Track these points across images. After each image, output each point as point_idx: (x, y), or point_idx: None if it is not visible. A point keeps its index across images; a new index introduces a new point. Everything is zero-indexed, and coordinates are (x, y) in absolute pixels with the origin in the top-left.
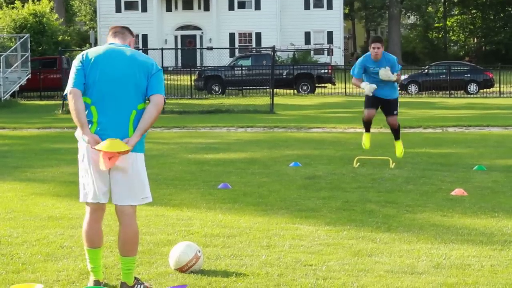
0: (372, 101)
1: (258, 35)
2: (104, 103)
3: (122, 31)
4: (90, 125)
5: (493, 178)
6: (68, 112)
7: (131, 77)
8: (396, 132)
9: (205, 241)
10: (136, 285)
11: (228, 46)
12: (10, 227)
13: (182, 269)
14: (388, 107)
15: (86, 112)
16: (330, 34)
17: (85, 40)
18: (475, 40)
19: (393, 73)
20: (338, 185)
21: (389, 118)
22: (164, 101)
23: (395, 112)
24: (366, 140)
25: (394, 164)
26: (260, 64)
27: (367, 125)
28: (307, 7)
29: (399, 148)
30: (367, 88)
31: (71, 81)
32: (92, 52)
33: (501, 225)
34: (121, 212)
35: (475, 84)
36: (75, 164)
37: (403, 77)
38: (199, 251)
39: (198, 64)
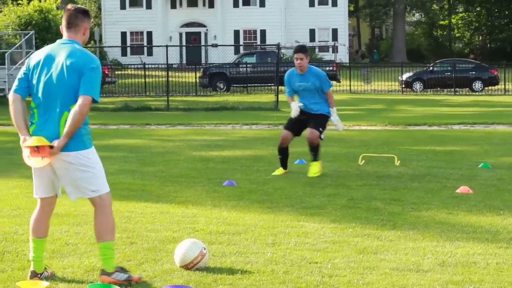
0: (295, 124)
1: (263, 32)
2: (42, 105)
3: (75, 22)
4: (30, 126)
5: (498, 175)
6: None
7: (62, 79)
8: (314, 151)
9: (210, 238)
10: (117, 273)
11: (232, 43)
12: (15, 224)
13: (187, 266)
14: (314, 122)
15: (31, 114)
16: (335, 32)
17: (90, 37)
18: (480, 38)
19: (323, 91)
20: (343, 183)
21: (310, 132)
22: (94, 101)
23: (320, 129)
24: (278, 172)
25: (399, 161)
26: (265, 61)
27: (282, 152)
28: (312, 4)
29: (313, 168)
30: (293, 110)
31: (14, 86)
32: (34, 56)
33: (507, 222)
34: (93, 204)
35: (480, 82)
36: None
37: (407, 75)
38: (204, 248)
39: (203, 61)
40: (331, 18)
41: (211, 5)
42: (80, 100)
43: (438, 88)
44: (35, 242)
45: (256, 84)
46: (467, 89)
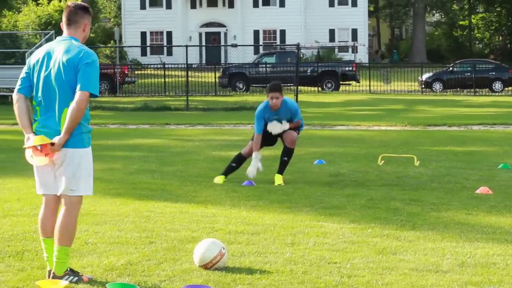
0: (265, 136)
1: (283, 32)
2: (42, 103)
3: (75, 19)
4: (34, 123)
5: None
6: (92, 108)
7: (59, 76)
8: (287, 156)
9: (230, 238)
10: (67, 276)
11: (252, 43)
12: (35, 223)
13: (206, 266)
14: (289, 130)
15: (34, 112)
16: (354, 32)
17: (109, 37)
18: (500, 38)
19: (292, 121)
20: (362, 183)
21: (287, 133)
22: (93, 95)
23: (297, 131)
24: (219, 179)
25: (418, 162)
26: (284, 61)
27: (240, 161)
28: (331, 4)
29: (277, 180)
30: (250, 170)
31: (17, 85)
32: (34, 55)
33: None
34: (62, 203)
35: (500, 82)
36: (100, 161)
37: (427, 75)
38: (224, 248)
39: (222, 61)
40: (351, 18)
41: (231, 5)
42: (77, 96)
43: (458, 89)
44: (45, 242)
45: None
46: (487, 89)
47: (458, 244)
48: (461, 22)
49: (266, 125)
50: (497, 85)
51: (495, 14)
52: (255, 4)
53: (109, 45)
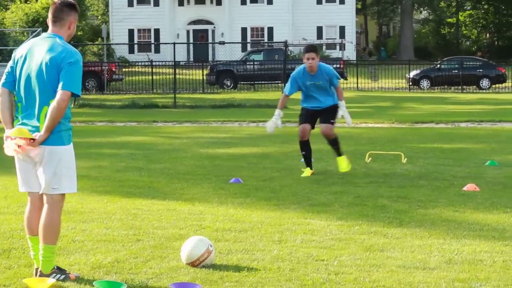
0: (306, 116)
1: (270, 30)
2: (24, 100)
3: (61, 16)
4: (15, 120)
5: (505, 173)
6: (80, 106)
7: (41, 74)
8: (333, 144)
9: (217, 235)
10: (54, 274)
11: (240, 41)
12: (22, 221)
13: (193, 264)
14: (324, 115)
15: (16, 108)
16: (342, 29)
17: (97, 34)
18: (488, 35)
19: (332, 86)
20: (350, 180)
21: (323, 126)
22: (75, 95)
23: (331, 121)
24: (306, 173)
25: (406, 159)
26: (272, 58)
27: (304, 146)
28: (319, 1)
29: (341, 163)
30: (271, 123)
31: (2, 80)
32: (18, 51)
33: None
34: (45, 201)
35: (487, 79)
36: (87, 158)
37: (414, 73)
38: (211, 246)
39: (210, 58)
40: (339, 15)
41: (219, 2)
42: (58, 95)
43: (445, 86)
44: (32, 240)
45: (263, 82)
46: (474, 86)
47: (445, 241)
48: (448, 20)
49: (305, 92)
50: (485, 82)
51: (482, 11)
52: (243, 2)
53: (97, 42)
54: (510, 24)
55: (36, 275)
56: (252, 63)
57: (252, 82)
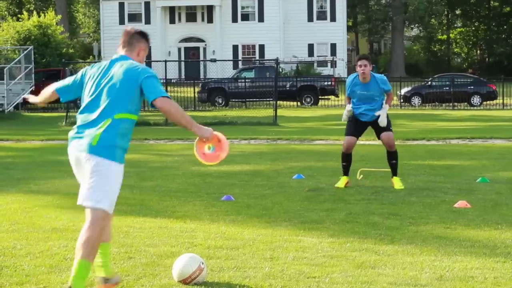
0: (355, 127)
1: (262, 47)
2: (87, 111)
3: (131, 41)
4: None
5: (496, 190)
6: (72, 124)
7: (113, 88)
8: (394, 159)
9: (209, 253)
10: None
11: (231, 58)
12: (13, 239)
13: (185, 281)
14: (385, 133)
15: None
16: (333, 46)
17: (88, 52)
18: (478, 52)
19: (384, 92)
20: (341, 197)
21: (384, 136)
22: (167, 97)
23: (391, 129)
24: (341, 182)
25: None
26: (264, 76)
27: (346, 158)
28: (310, 19)
29: (397, 182)
30: (345, 113)
31: (58, 84)
32: (89, 69)
33: (504, 237)
34: (87, 215)
35: (478, 96)
36: None
37: (405, 90)
38: (203, 263)
39: (202, 76)
40: (330, 33)
41: (210, 20)
42: (158, 105)
43: (437, 103)
44: (100, 247)
45: (254, 99)
46: (465, 103)
47: (437, 258)
48: (439, 37)
49: (356, 99)
50: (476, 99)
51: (473, 28)
52: (234, 19)
53: (88, 60)
54: (501, 41)
55: (103, 283)
56: (243, 80)
57: (244, 100)
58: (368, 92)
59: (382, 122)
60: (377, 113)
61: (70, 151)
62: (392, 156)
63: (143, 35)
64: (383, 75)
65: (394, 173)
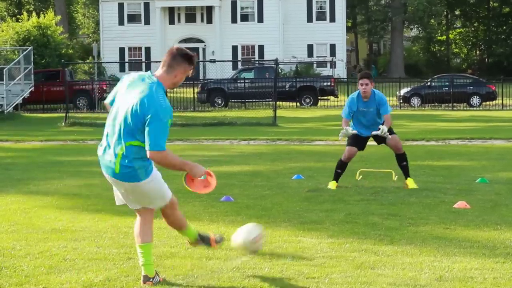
0: (357, 140)
1: (261, 48)
2: (110, 127)
3: (171, 63)
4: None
5: (495, 190)
6: (71, 124)
7: (126, 118)
8: (404, 160)
9: (208, 253)
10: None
11: (231, 59)
12: (13, 239)
13: (251, 241)
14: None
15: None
16: (332, 47)
17: (88, 53)
18: (478, 53)
19: (382, 114)
20: (341, 198)
21: (389, 139)
22: (160, 150)
23: (393, 131)
24: (332, 185)
25: (397, 177)
26: (263, 76)
27: (342, 166)
28: (309, 19)
29: (411, 183)
30: (342, 132)
31: (109, 98)
32: (125, 79)
33: (504, 237)
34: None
35: (477, 97)
36: (78, 177)
37: (405, 90)
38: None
39: (201, 76)
40: (329, 33)
41: (209, 20)
42: (148, 155)
43: (436, 103)
44: (142, 247)
45: (254, 100)
46: (464, 104)
47: (436, 259)
48: (439, 37)
49: (355, 116)
50: (475, 100)
51: (472, 29)
52: (234, 20)
53: (88, 61)
54: (500, 41)
55: (146, 282)
56: (243, 81)
57: (243, 100)
58: (369, 108)
59: (383, 130)
60: (374, 133)
61: (101, 166)
62: (401, 159)
63: (186, 58)
64: (384, 96)
65: (407, 174)
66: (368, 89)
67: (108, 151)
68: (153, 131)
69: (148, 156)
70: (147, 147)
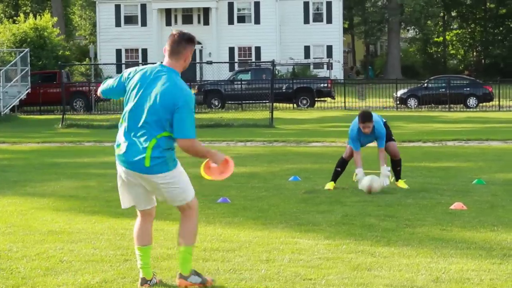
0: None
1: (258, 49)
2: (129, 122)
3: (178, 49)
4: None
5: (492, 192)
6: (68, 126)
7: (152, 110)
8: (398, 166)
9: (205, 255)
10: (192, 276)
11: (227, 60)
12: (9, 241)
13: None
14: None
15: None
16: (329, 48)
17: (85, 55)
18: (475, 54)
19: (378, 147)
20: (337, 199)
21: (388, 145)
22: (191, 138)
23: (393, 137)
24: (330, 185)
25: (393, 178)
26: (260, 78)
27: (343, 165)
28: (306, 21)
29: (402, 184)
30: (359, 178)
31: (103, 86)
32: (138, 71)
33: (500, 238)
34: (177, 208)
35: (474, 98)
36: (75, 178)
37: (402, 91)
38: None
39: (198, 78)
40: (326, 35)
41: (206, 22)
42: (178, 143)
43: (433, 105)
44: (141, 250)
45: (251, 101)
46: (461, 105)
47: (433, 260)
48: (435, 39)
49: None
50: (472, 101)
51: (469, 30)
52: (230, 21)
53: (84, 62)
54: (497, 42)
55: (141, 284)
56: (239, 82)
57: (240, 102)
58: (368, 137)
59: (385, 182)
60: (382, 180)
61: (122, 164)
62: (397, 164)
63: (190, 41)
64: (383, 130)
65: (398, 177)
66: (370, 129)
67: (133, 148)
68: (184, 119)
69: (178, 144)
70: (178, 135)
